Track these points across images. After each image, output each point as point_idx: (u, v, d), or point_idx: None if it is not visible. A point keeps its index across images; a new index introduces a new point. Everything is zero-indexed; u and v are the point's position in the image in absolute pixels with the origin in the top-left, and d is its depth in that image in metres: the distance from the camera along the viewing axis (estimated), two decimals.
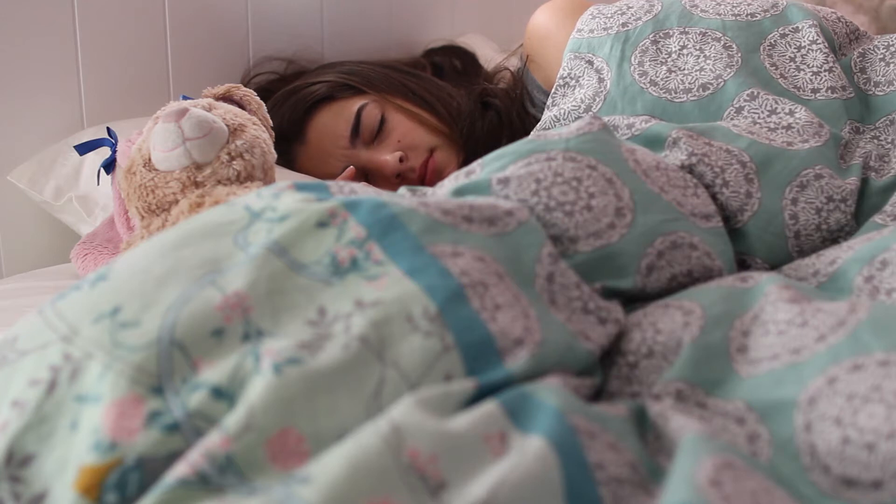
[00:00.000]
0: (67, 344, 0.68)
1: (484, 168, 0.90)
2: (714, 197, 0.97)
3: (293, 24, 1.76)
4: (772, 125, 1.03)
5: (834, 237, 0.99)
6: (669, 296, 0.86)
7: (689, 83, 1.09)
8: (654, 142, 1.01)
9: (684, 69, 1.10)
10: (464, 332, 0.69)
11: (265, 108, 1.20)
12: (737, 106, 1.06)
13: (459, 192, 0.87)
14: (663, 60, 1.11)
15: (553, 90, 1.19)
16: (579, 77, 1.15)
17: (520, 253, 0.78)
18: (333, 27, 1.82)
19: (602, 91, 1.12)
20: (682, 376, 0.74)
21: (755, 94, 1.07)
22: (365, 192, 0.83)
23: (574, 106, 1.13)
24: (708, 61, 1.10)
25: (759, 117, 1.05)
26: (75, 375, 0.66)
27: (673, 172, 0.93)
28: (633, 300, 0.86)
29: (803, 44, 1.11)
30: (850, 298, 0.82)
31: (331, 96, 1.45)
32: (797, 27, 1.13)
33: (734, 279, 0.83)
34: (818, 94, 1.07)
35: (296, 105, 1.46)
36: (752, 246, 0.97)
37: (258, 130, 1.13)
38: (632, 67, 1.12)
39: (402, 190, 0.91)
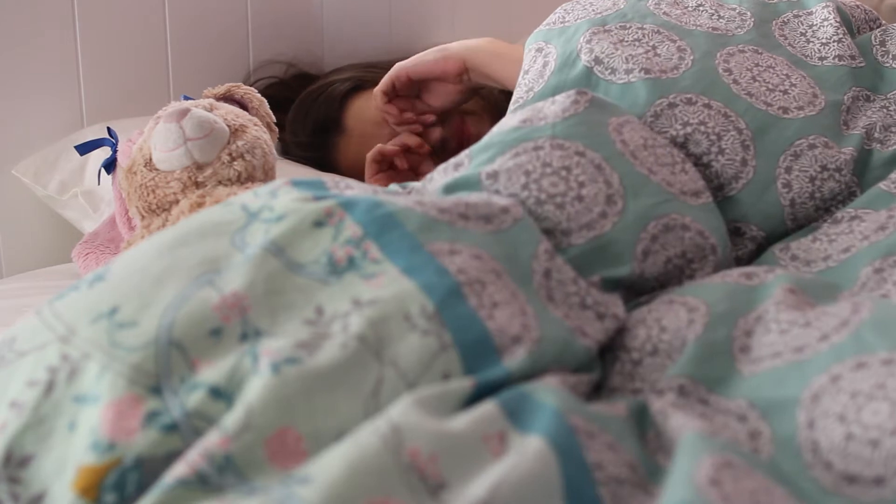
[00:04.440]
0: (65, 344, 0.68)
1: (472, 160, 0.90)
2: (708, 165, 0.97)
3: (293, 24, 1.76)
4: (770, 84, 1.03)
5: (828, 206, 0.99)
6: (670, 284, 0.86)
7: (701, 23, 1.09)
8: (651, 91, 1.01)
9: (698, 19, 1.10)
10: (461, 330, 0.69)
11: (267, 104, 1.21)
12: (740, 48, 1.06)
13: (450, 187, 0.87)
14: (680, 8, 1.12)
15: (564, 4, 1.18)
16: (592, 1, 1.15)
17: (516, 250, 0.78)
18: (333, 29, 1.82)
19: (615, 8, 1.12)
20: (685, 372, 0.73)
21: (760, 51, 1.07)
22: (362, 189, 0.83)
23: (584, 13, 1.12)
24: (721, 21, 1.10)
25: (758, 66, 1.05)
26: (73, 376, 0.66)
27: (661, 149, 0.93)
28: (634, 289, 0.86)
29: (815, 22, 1.12)
30: (851, 293, 0.82)
31: (359, 87, 1.52)
32: (811, 11, 1.13)
33: (739, 275, 0.83)
34: (825, 62, 1.07)
35: (329, 101, 1.52)
36: (746, 213, 0.98)
37: (259, 131, 1.13)
38: (648, 3, 1.12)
39: (394, 186, 0.91)
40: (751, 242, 0.98)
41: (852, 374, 0.66)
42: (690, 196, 0.91)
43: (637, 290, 0.87)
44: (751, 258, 0.98)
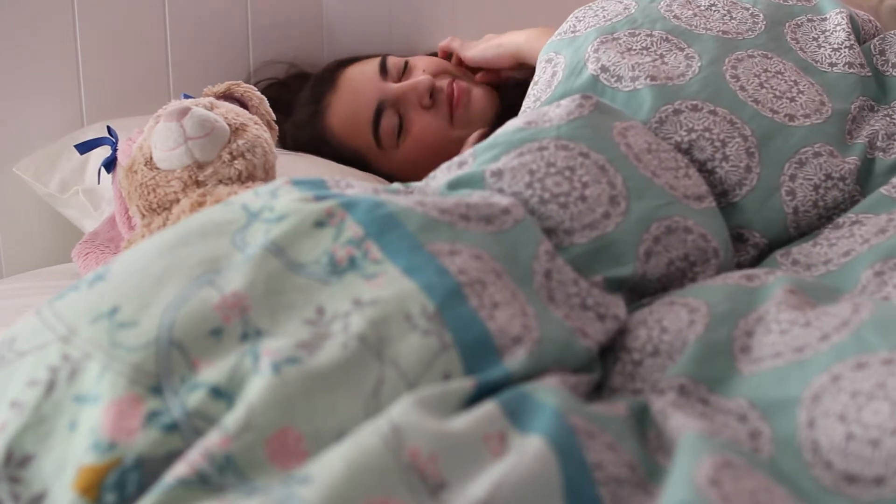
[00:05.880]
0: (66, 344, 0.68)
1: (476, 158, 0.90)
2: (713, 171, 0.98)
3: (293, 25, 1.76)
4: (778, 91, 1.03)
5: (830, 215, 0.99)
6: (672, 286, 0.86)
7: (711, 27, 1.09)
8: (656, 98, 1.01)
9: (709, 21, 1.10)
10: (462, 330, 0.69)
11: (267, 102, 1.21)
12: (749, 53, 1.06)
13: (453, 184, 0.87)
14: (692, 8, 1.12)
15: (576, 10, 1.20)
16: (605, 6, 1.15)
17: (517, 251, 0.78)
18: (334, 29, 1.82)
19: (625, 13, 1.12)
20: (686, 371, 0.74)
21: (769, 55, 1.07)
22: (362, 188, 0.83)
23: (594, 21, 1.13)
24: (732, 22, 1.10)
25: (767, 72, 1.04)
26: (74, 376, 0.66)
27: (664, 154, 0.93)
28: (637, 290, 0.86)
29: (828, 28, 1.12)
30: (852, 296, 0.82)
31: (357, 59, 1.57)
32: (826, 17, 1.13)
33: (740, 277, 0.83)
34: (835, 68, 1.07)
35: (326, 66, 1.59)
36: (749, 220, 0.98)
37: (260, 130, 1.13)
38: (660, 6, 1.12)
39: (396, 185, 0.91)
40: (753, 249, 0.98)
41: (853, 373, 0.66)
42: (693, 200, 0.91)
43: (640, 292, 0.87)
44: (753, 264, 0.98)
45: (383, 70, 1.48)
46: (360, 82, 1.50)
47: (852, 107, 1.04)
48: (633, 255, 0.85)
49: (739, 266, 0.97)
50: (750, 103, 1.01)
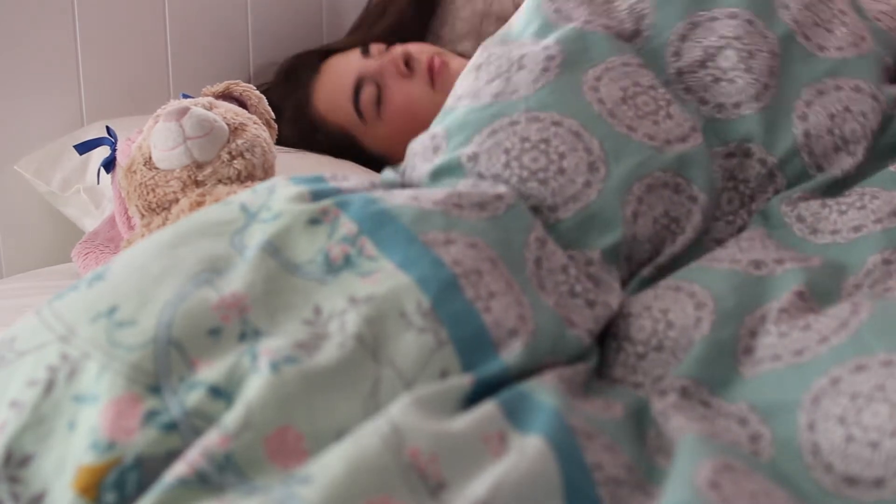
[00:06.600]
0: (65, 344, 0.68)
1: (449, 141, 0.89)
2: (732, 80, 0.95)
3: (293, 25, 1.76)
4: (819, 18, 1.00)
5: (850, 150, 0.95)
6: (664, 246, 0.86)
7: None
8: (696, 3, 0.98)
9: None
10: (458, 325, 0.69)
11: (266, 101, 1.21)
12: None
13: (436, 174, 0.86)
14: None
15: None
16: None
17: (510, 237, 0.78)
18: (334, 29, 1.83)
19: None
20: (689, 373, 0.73)
21: None
22: (359, 181, 0.83)
23: None
24: None
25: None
26: (73, 375, 0.66)
27: (642, 97, 0.91)
28: (633, 258, 0.85)
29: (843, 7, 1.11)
30: (856, 282, 0.81)
31: (339, 50, 1.59)
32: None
33: (748, 263, 0.82)
34: (879, 23, 1.05)
35: (309, 55, 1.61)
36: (759, 134, 0.94)
37: (259, 129, 1.13)
38: None
39: (389, 173, 0.90)
40: (760, 165, 0.94)
41: (852, 376, 0.66)
42: (677, 143, 0.89)
43: (636, 260, 0.86)
44: (759, 183, 0.94)
45: (365, 52, 1.51)
46: (342, 64, 1.53)
47: (886, 58, 1.02)
48: (620, 218, 0.84)
49: (745, 183, 0.94)
50: (787, 21, 0.98)
